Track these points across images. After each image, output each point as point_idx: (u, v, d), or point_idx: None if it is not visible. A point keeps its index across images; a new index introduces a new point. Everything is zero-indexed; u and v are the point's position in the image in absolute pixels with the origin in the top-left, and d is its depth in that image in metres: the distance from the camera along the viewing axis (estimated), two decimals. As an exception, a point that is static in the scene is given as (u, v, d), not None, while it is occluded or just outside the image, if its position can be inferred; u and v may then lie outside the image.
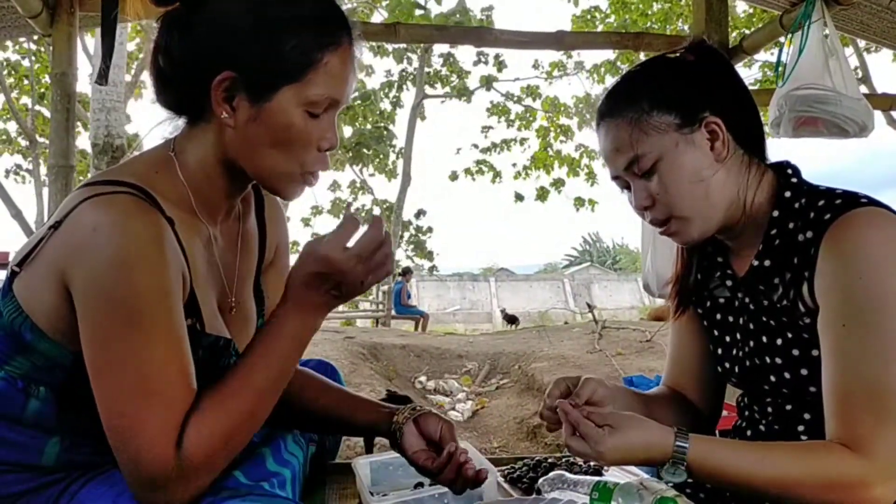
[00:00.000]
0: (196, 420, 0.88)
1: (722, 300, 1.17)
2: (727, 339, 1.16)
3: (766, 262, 1.06)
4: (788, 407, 1.07)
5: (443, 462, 1.08)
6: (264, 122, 0.94)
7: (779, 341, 1.04)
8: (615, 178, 1.11)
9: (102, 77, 1.16)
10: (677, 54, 1.10)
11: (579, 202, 15.69)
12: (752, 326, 1.10)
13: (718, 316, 1.18)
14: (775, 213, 1.05)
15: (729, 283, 1.15)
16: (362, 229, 0.93)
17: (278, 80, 0.93)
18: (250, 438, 0.94)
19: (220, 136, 0.97)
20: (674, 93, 1.04)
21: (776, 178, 1.08)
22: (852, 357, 0.93)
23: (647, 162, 1.03)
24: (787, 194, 1.05)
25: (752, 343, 1.10)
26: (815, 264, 0.98)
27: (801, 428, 1.05)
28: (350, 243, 0.92)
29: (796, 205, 1.04)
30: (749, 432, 1.13)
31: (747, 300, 1.11)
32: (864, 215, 0.96)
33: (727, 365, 1.15)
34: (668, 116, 1.03)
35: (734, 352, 1.14)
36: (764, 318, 1.07)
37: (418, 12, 12.03)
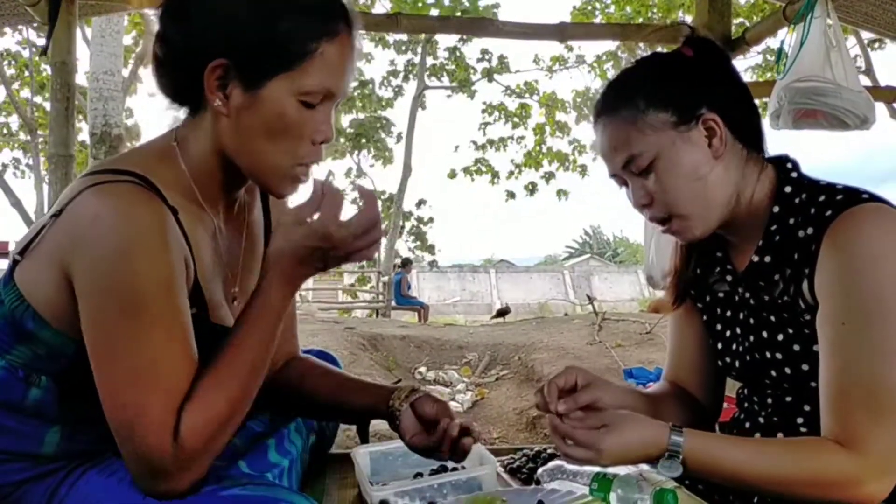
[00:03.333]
0: (191, 407, 0.87)
1: (721, 295, 1.17)
2: (727, 333, 1.15)
3: (767, 258, 1.05)
4: (788, 399, 1.07)
5: (438, 438, 1.10)
6: (257, 110, 0.93)
7: (779, 337, 1.04)
8: (613, 175, 1.10)
9: (45, 50, 1.20)
10: (675, 49, 1.09)
11: (560, 194, 16.08)
12: (752, 321, 1.10)
13: (718, 311, 1.18)
14: (775, 209, 1.04)
15: (729, 277, 1.15)
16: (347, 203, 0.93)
17: (272, 68, 0.92)
18: (244, 415, 0.93)
19: (216, 125, 0.97)
20: (670, 90, 1.03)
21: (776, 173, 1.07)
22: (850, 354, 0.93)
23: (643, 160, 1.03)
24: (788, 189, 1.05)
25: (752, 338, 1.09)
26: (815, 261, 0.97)
27: (800, 420, 1.05)
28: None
29: (796, 200, 1.03)
30: (748, 424, 1.14)
31: (747, 295, 1.10)
32: (866, 211, 0.95)
33: (727, 360, 1.15)
34: (665, 114, 1.02)
35: (734, 347, 1.14)
36: (764, 314, 1.07)
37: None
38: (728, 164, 1.04)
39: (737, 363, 1.13)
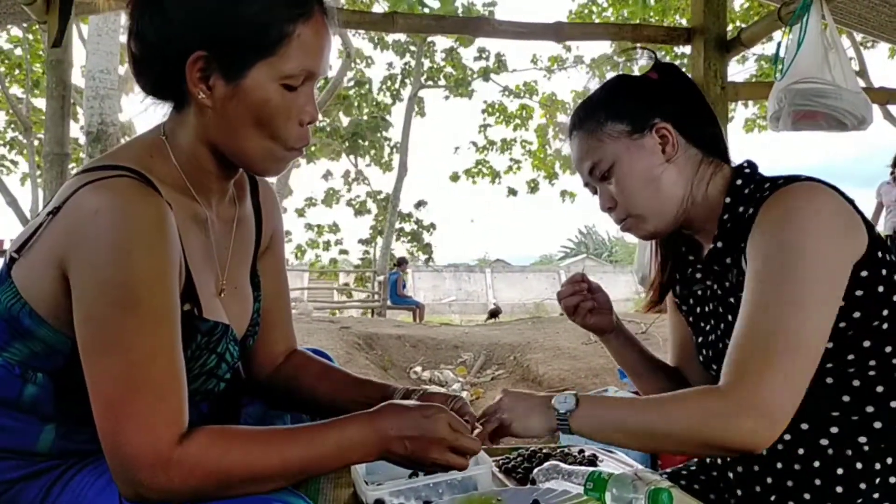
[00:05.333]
0: (218, 433, 0.87)
1: (699, 293, 1.21)
2: (706, 327, 1.19)
3: (719, 244, 1.11)
4: None
5: None
6: (241, 100, 0.94)
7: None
8: (586, 184, 1.22)
9: (59, 41, 1.16)
10: (641, 73, 1.20)
11: (564, 195, 16.21)
12: (720, 310, 1.14)
13: (698, 308, 1.22)
14: (727, 200, 1.11)
15: (699, 275, 1.20)
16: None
17: (251, 56, 0.92)
18: (236, 492, 0.88)
19: (202, 117, 0.97)
20: (626, 104, 1.15)
21: (733, 173, 1.14)
22: (755, 305, 0.96)
23: (604, 166, 1.14)
24: (739, 182, 1.11)
25: (722, 326, 1.13)
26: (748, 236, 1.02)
27: None
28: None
29: (746, 190, 1.09)
30: None
31: (715, 286, 1.15)
32: (797, 188, 1.01)
33: (704, 352, 1.19)
34: (621, 125, 1.13)
35: (710, 338, 1.17)
36: (727, 299, 1.11)
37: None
38: (681, 167, 1.13)
39: (711, 353, 1.16)
